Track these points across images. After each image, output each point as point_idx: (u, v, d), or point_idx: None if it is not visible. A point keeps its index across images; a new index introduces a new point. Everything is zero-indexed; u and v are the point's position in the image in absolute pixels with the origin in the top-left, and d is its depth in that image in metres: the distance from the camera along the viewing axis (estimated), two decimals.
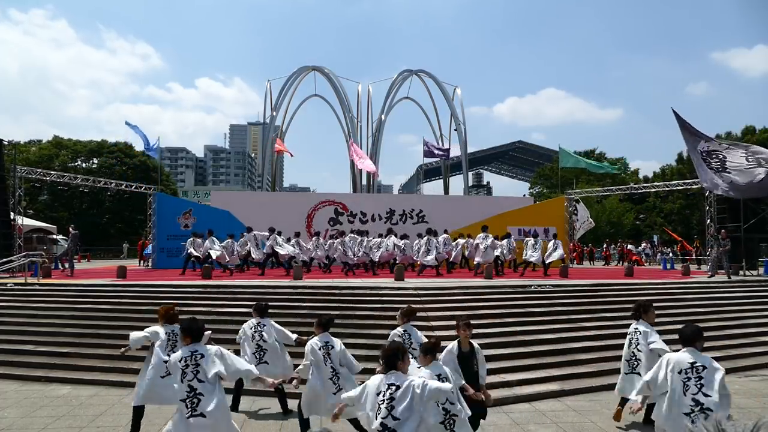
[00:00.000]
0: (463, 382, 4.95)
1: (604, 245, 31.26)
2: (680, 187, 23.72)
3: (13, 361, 9.01)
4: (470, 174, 44.90)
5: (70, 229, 18.07)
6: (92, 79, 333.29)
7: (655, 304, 11.78)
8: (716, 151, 15.53)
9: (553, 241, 17.05)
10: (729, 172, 15.08)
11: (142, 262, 23.95)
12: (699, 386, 4.30)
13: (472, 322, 9.71)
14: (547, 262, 16.43)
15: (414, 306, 7.61)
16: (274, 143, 27.31)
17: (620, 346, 9.49)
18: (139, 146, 47.42)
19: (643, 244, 33.18)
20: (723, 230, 16.68)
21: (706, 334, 9.66)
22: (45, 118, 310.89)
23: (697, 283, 14.39)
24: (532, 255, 16.28)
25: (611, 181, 46.44)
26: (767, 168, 14.41)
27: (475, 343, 5.46)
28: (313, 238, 17.01)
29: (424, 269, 15.87)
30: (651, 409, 6.74)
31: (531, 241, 16.67)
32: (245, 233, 16.85)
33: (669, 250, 34.68)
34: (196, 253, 15.94)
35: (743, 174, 14.77)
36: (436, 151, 27.81)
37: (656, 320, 11.02)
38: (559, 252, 16.62)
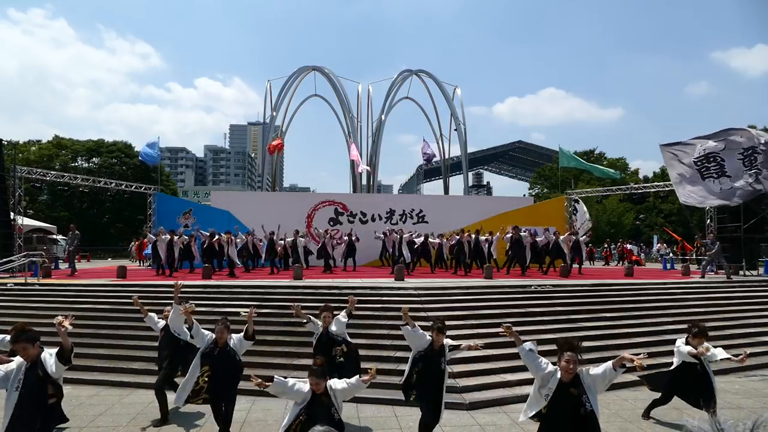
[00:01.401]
0: None
1: (605, 245, 31.24)
2: None
3: None
4: (470, 174, 44.87)
5: (71, 229, 18.08)
6: (91, 78, 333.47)
7: (655, 305, 11.90)
8: (714, 154, 15.52)
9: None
10: (729, 176, 15.13)
11: (141, 262, 23.96)
12: None
13: (472, 322, 9.79)
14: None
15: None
16: (272, 142, 27.26)
17: (620, 346, 9.56)
18: (139, 147, 47.67)
19: (657, 245, 32.59)
20: (711, 234, 16.92)
21: None
22: (44, 118, 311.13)
23: (697, 283, 14.38)
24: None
25: (611, 181, 46.42)
26: (756, 174, 14.53)
27: (448, 341, 5.64)
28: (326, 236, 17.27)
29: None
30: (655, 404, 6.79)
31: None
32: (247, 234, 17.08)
33: (669, 249, 34.64)
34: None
35: (743, 177, 14.87)
36: (428, 153, 28.08)
37: (656, 321, 11.10)
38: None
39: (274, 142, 26.55)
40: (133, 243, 29.27)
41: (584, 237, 19.07)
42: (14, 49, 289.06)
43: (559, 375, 4.27)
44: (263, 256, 17.22)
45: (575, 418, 4.08)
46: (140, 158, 26.16)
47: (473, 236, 16.36)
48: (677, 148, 16.31)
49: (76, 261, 17.95)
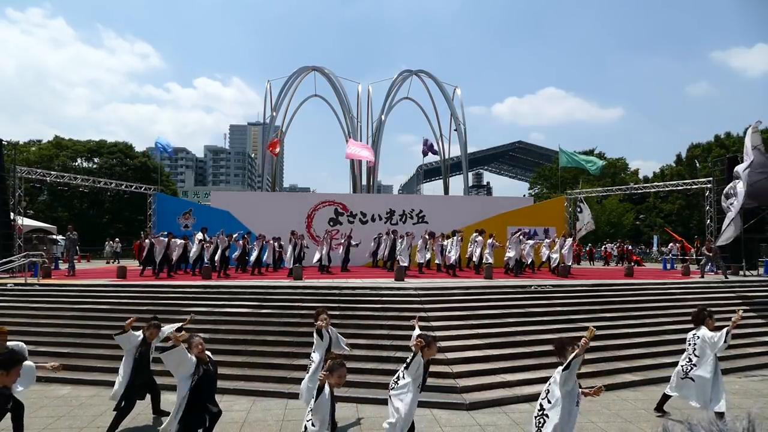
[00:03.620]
0: None
1: (604, 245, 31.29)
2: (680, 188, 23.73)
3: None
4: (470, 174, 44.85)
5: (69, 230, 18.08)
6: (91, 78, 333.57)
7: (655, 305, 11.90)
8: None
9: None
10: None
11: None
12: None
13: (472, 322, 9.79)
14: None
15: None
16: (274, 144, 27.25)
17: (620, 346, 9.56)
18: (140, 148, 47.67)
19: (670, 245, 31.18)
20: (708, 240, 16.91)
21: None
22: (43, 118, 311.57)
23: (697, 283, 14.38)
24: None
25: (611, 181, 46.41)
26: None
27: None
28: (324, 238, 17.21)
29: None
30: (664, 400, 6.81)
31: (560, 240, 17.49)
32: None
33: (670, 248, 34.52)
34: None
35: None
36: (430, 150, 28.05)
37: (656, 321, 11.11)
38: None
39: (274, 143, 26.53)
40: (107, 243, 29.09)
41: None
42: (13, 49, 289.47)
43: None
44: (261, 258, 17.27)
45: None
46: (155, 146, 25.88)
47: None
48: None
49: (75, 261, 17.95)
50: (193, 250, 15.77)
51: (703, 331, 6.47)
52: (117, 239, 30.87)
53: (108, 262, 26.75)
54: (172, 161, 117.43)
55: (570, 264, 17.22)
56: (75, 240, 17.90)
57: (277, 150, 25.97)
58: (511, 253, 16.32)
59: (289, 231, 17.69)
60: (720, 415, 6.18)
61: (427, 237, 16.81)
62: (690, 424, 1.13)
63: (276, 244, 17.35)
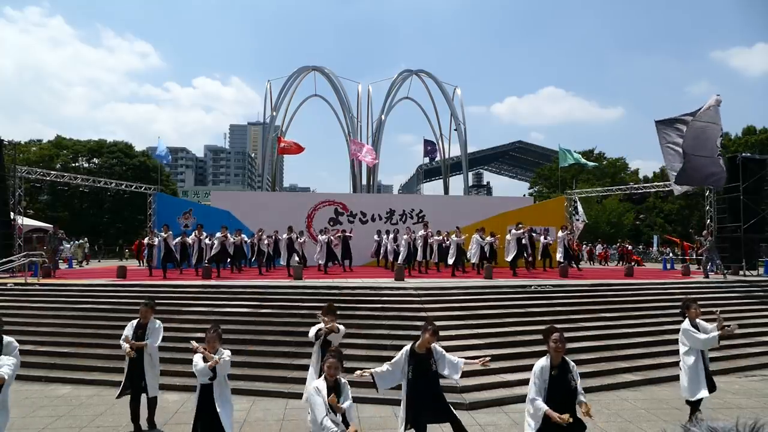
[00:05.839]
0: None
1: (599, 246, 31.42)
2: None
3: None
4: (470, 174, 44.85)
5: (53, 230, 18.07)
6: (90, 77, 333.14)
7: (654, 305, 11.90)
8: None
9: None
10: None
11: (141, 262, 23.95)
12: None
13: (472, 322, 9.79)
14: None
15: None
16: (275, 143, 27.15)
17: (620, 346, 9.57)
18: (139, 147, 47.70)
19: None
20: (705, 231, 16.86)
21: None
22: (42, 118, 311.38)
23: (697, 283, 14.38)
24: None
25: (611, 181, 46.42)
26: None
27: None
28: (321, 237, 17.11)
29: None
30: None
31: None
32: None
33: (669, 250, 34.73)
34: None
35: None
36: (431, 150, 28.02)
37: (656, 321, 11.11)
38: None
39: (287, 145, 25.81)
40: (73, 243, 27.93)
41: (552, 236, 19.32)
42: (11, 48, 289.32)
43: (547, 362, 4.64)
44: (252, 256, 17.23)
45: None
46: (156, 156, 25.76)
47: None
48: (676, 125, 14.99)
49: (76, 262, 17.95)
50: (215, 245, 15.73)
51: (684, 324, 6.44)
52: (85, 238, 28.89)
53: (69, 264, 24.44)
54: (171, 161, 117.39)
55: (566, 262, 17.27)
56: (62, 238, 17.83)
57: (286, 147, 25.39)
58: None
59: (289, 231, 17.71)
60: (694, 404, 6.22)
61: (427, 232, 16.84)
62: (685, 427, 1.12)
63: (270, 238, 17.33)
